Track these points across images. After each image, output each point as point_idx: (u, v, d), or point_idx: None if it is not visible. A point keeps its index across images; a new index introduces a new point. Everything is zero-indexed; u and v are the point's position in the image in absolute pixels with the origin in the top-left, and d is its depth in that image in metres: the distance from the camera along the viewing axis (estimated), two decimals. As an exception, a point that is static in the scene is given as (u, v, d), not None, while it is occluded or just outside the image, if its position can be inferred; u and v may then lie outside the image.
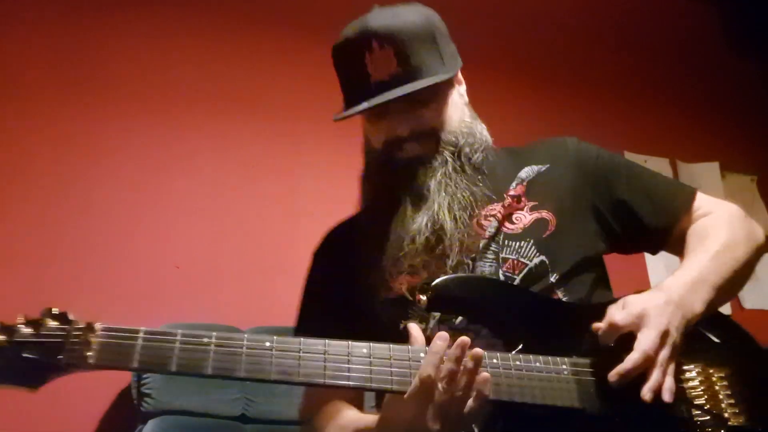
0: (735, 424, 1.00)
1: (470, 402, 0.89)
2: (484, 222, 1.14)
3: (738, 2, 3.65)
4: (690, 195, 1.22)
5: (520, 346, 0.99)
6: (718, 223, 1.17)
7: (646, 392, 0.93)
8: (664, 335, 0.96)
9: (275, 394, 1.93)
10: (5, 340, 0.80)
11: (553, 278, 1.10)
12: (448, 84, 1.19)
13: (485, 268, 1.11)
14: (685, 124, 3.38)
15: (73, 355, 0.82)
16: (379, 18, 1.15)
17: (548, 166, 1.21)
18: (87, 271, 2.16)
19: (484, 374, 0.89)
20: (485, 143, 1.21)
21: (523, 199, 1.17)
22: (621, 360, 0.95)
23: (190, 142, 2.44)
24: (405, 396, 0.89)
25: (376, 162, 1.20)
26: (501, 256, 1.11)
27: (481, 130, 1.23)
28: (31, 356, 0.80)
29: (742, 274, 1.14)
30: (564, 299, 1.10)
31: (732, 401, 1.02)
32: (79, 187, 2.25)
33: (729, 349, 1.08)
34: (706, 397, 1.02)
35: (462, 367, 0.88)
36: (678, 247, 1.19)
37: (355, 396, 1.13)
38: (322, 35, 2.78)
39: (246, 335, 0.90)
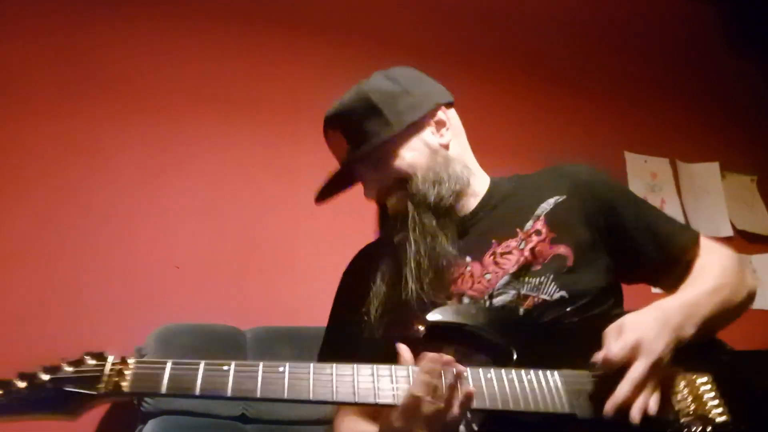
0: (719, 422, 1.04)
1: (451, 413, 0.97)
2: (501, 260, 1.20)
3: (738, 2, 3.64)
4: (694, 237, 1.29)
5: (513, 363, 1.06)
6: (716, 263, 1.25)
7: (634, 413, 0.99)
8: (657, 362, 1.02)
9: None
10: (50, 378, 0.91)
11: (568, 309, 1.16)
12: (404, 136, 1.27)
13: (505, 303, 1.17)
14: (685, 124, 3.38)
15: (109, 384, 0.93)
16: (331, 109, 1.31)
17: (565, 197, 1.26)
18: (87, 271, 2.16)
19: (469, 389, 0.98)
20: (459, 186, 1.27)
21: (543, 232, 1.21)
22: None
23: (190, 142, 2.44)
24: (397, 409, 0.98)
25: (378, 214, 1.36)
26: (522, 293, 1.17)
27: (453, 173, 1.28)
28: (73, 389, 0.92)
29: (732, 313, 1.21)
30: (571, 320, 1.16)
31: (715, 402, 1.07)
32: (78, 187, 2.25)
33: (706, 356, 1.14)
34: (690, 399, 1.06)
35: (446, 383, 0.97)
36: (676, 282, 1.25)
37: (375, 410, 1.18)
38: (322, 35, 2.80)
39: (262, 363, 0.99)
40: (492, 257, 1.20)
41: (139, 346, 1.97)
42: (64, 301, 2.10)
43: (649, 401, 1.00)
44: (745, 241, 3.26)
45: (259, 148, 2.53)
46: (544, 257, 1.19)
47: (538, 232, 1.21)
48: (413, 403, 0.96)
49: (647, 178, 3.20)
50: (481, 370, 1.01)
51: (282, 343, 2.08)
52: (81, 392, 0.91)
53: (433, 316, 1.11)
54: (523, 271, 1.18)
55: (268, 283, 2.36)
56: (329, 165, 1.31)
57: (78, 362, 0.96)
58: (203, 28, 2.61)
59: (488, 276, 1.19)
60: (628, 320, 1.05)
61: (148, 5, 2.55)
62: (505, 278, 1.18)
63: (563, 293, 1.15)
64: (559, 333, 1.14)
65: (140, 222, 2.28)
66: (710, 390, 1.08)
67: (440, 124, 1.32)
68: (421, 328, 1.09)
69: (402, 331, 1.14)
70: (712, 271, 1.22)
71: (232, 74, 2.59)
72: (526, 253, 1.19)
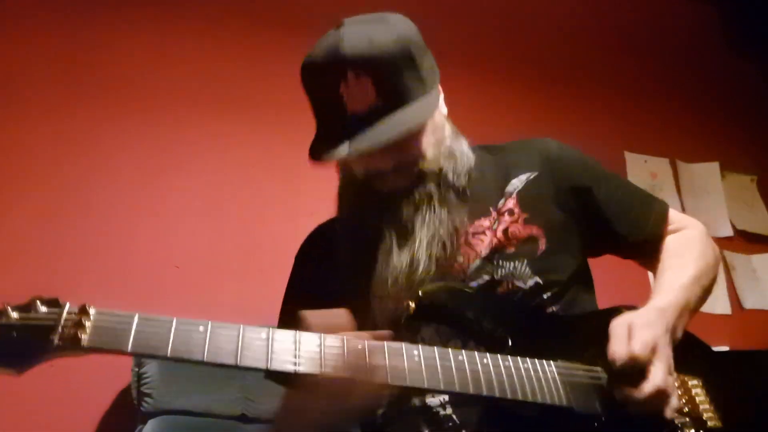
0: (712, 425, 1.04)
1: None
2: (473, 240, 1.12)
3: (738, 2, 3.65)
4: (664, 210, 1.25)
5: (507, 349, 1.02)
6: (691, 244, 1.22)
7: (669, 414, 0.96)
8: (671, 365, 0.99)
9: (275, 394, 1.93)
10: None
11: (545, 296, 1.11)
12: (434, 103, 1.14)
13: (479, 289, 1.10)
14: (685, 124, 3.38)
15: (65, 336, 0.80)
16: (353, 43, 1.05)
17: (537, 173, 1.18)
18: (87, 271, 2.16)
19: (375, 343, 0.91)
20: (468, 163, 1.17)
21: (516, 211, 1.14)
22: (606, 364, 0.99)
23: (190, 142, 2.44)
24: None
25: (355, 188, 1.16)
26: (496, 278, 1.10)
27: (463, 149, 1.18)
28: (20, 337, 0.78)
29: (707, 296, 1.19)
30: (554, 310, 1.12)
31: (707, 407, 1.06)
32: (79, 187, 2.25)
33: (693, 357, 1.13)
34: (684, 400, 1.05)
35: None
36: (648, 257, 1.23)
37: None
38: (321, 35, 2.79)
39: (241, 325, 0.89)
40: (464, 237, 1.11)
41: (139, 346, 1.97)
42: (64, 301, 2.10)
43: (668, 407, 0.98)
44: (745, 241, 3.27)
45: (259, 148, 2.53)
46: (518, 239, 1.12)
47: (510, 212, 1.14)
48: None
49: (647, 178, 3.20)
50: (477, 354, 0.96)
51: (282, 343, 2.08)
52: (30, 342, 0.78)
53: (426, 289, 1.04)
54: (496, 254, 1.10)
55: (268, 283, 2.35)
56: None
57: (26, 307, 0.82)
58: (203, 29, 2.61)
59: (460, 258, 1.11)
60: (637, 321, 1.01)
61: (148, 5, 2.55)
62: (478, 261, 1.10)
63: (537, 279, 1.10)
64: (553, 323, 1.10)
65: (140, 222, 2.28)
66: (701, 393, 1.08)
67: (439, 93, 1.19)
68: (411, 304, 1.02)
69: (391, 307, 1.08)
70: (691, 254, 1.19)
71: (232, 74, 2.59)
72: (499, 234, 1.12)
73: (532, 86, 3.11)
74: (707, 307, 2.89)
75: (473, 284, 1.09)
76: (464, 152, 1.17)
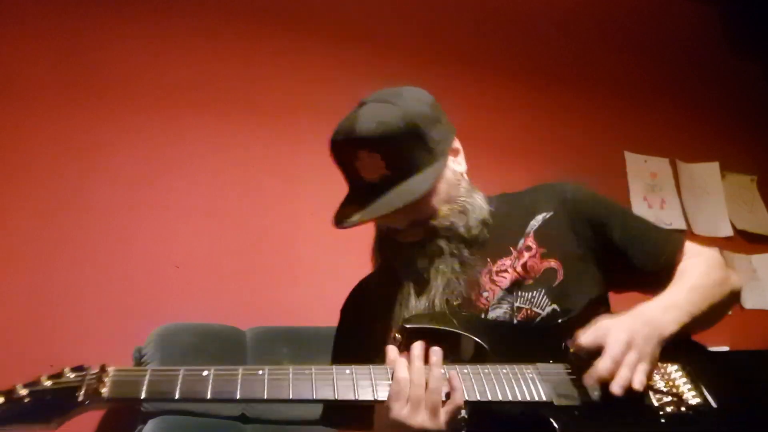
0: (693, 404, 1.07)
1: (441, 394, 1.00)
2: (496, 278, 1.23)
3: (738, 3, 3.65)
4: (679, 242, 1.32)
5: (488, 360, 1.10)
6: (697, 264, 1.28)
7: (615, 387, 1.01)
8: (628, 344, 1.05)
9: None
10: (29, 392, 0.93)
11: (561, 320, 1.19)
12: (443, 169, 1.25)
13: (500, 316, 1.20)
14: (685, 124, 3.38)
15: (89, 391, 0.93)
16: (364, 124, 1.19)
17: (552, 213, 1.28)
18: (87, 271, 2.16)
19: (452, 371, 1.03)
20: (481, 215, 1.27)
21: (533, 247, 1.24)
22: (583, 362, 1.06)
23: (190, 142, 2.44)
24: (387, 400, 1.00)
25: (382, 240, 1.31)
26: (515, 305, 1.20)
27: (476, 203, 1.28)
28: (53, 399, 0.93)
29: (715, 311, 1.22)
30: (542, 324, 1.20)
31: (689, 386, 1.11)
32: (78, 187, 2.25)
33: (678, 350, 1.16)
34: (664, 382, 1.11)
35: (429, 363, 1.02)
36: (663, 286, 1.28)
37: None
38: (321, 35, 2.79)
39: (242, 367, 1.01)
40: (488, 276, 1.23)
41: (139, 346, 1.97)
42: (65, 301, 2.10)
43: (634, 377, 1.03)
44: (745, 241, 3.27)
45: (259, 148, 2.53)
46: (536, 272, 1.22)
47: (528, 248, 1.25)
48: (400, 387, 0.99)
49: (647, 178, 3.21)
50: (456, 366, 1.05)
51: (281, 343, 2.08)
52: (60, 400, 0.92)
53: (409, 321, 1.15)
54: (516, 286, 1.21)
55: (268, 283, 2.36)
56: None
57: (58, 375, 0.98)
58: (203, 29, 2.61)
59: (486, 294, 1.22)
60: (599, 320, 1.10)
61: (148, 6, 2.55)
62: (500, 293, 1.21)
63: (554, 306, 1.19)
64: (531, 332, 1.18)
65: (140, 222, 2.28)
66: (682, 376, 1.12)
67: (456, 152, 1.33)
68: (398, 336, 1.12)
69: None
70: (694, 272, 1.26)
71: (232, 75, 2.59)
72: (519, 269, 1.23)
73: (532, 86, 3.11)
74: (707, 307, 2.90)
75: (493, 314, 1.20)
76: (477, 206, 1.28)
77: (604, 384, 1.02)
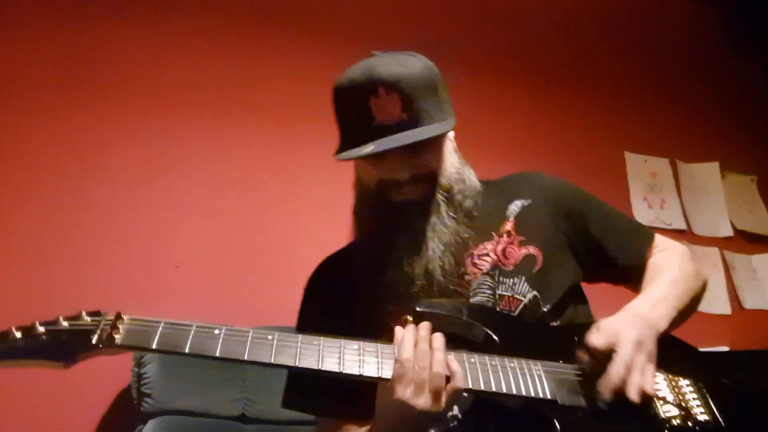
0: (701, 420, 1.07)
1: (443, 377, 1.00)
2: (478, 261, 1.22)
3: (738, 3, 3.65)
4: (650, 236, 1.35)
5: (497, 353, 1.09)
6: (672, 258, 1.31)
7: (633, 394, 1.01)
8: (639, 344, 1.06)
9: (275, 394, 1.93)
10: (46, 330, 0.99)
11: (545, 308, 1.20)
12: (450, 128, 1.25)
13: (483, 302, 1.19)
14: (685, 124, 3.38)
15: (102, 336, 0.98)
16: (387, 65, 1.18)
17: (531, 201, 1.29)
18: (87, 271, 2.16)
19: (451, 356, 1.02)
20: (474, 189, 1.27)
21: (513, 234, 1.25)
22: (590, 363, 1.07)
23: (190, 142, 2.45)
24: (390, 381, 1.00)
25: (371, 201, 1.24)
26: (497, 292, 1.20)
27: (470, 176, 1.29)
28: (68, 339, 0.98)
29: (693, 303, 1.26)
30: (554, 324, 1.20)
31: (698, 403, 1.10)
32: (78, 187, 2.25)
33: (685, 360, 1.18)
34: (674, 394, 1.10)
35: (431, 347, 1.02)
36: (636, 282, 1.31)
37: (363, 422, 1.16)
38: (321, 35, 2.79)
39: (252, 329, 1.01)
40: (470, 258, 1.22)
41: (139, 346, 1.97)
42: (64, 301, 2.09)
43: (645, 381, 1.02)
44: (745, 241, 3.27)
45: (259, 148, 2.53)
46: (516, 258, 1.23)
47: (508, 234, 1.25)
48: (403, 370, 0.99)
49: (647, 178, 3.21)
50: (465, 353, 1.05)
51: (282, 343, 2.08)
52: (75, 341, 0.97)
53: (421, 306, 1.12)
54: (496, 271, 1.21)
55: (268, 283, 2.36)
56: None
57: (75, 317, 1.03)
58: (203, 29, 2.61)
59: (467, 277, 1.21)
60: (603, 321, 1.10)
61: (148, 6, 2.55)
62: (481, 278, 1.21)
63: (535, 293, 1.20)
64: (544, 334, 1.18)
65: (140, 222, 2.28)
66: (693, 392, 1.12)
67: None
68: (409, 318, 1.10)
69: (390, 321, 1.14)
70: (671, 266, 1.28)
71: (232, 74, 2.59)
72: (499, 253, 1.23)
73: (532, 86, 3.11)
74: (707, 307, 2.91)
75: (476, 299, 1.19)
76: (472, 180, 1.29)
77: (618, 390, 1.02)
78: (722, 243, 3.19)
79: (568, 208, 1.30)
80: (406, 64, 1.19)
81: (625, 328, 1.07)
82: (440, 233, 1.19)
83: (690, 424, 1.06)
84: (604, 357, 1.04)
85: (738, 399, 1.13)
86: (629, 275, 1.33)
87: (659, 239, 1.36)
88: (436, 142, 1.22)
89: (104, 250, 2.21)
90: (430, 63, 1.25)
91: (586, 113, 3.16)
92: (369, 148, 1.13)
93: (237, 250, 2.37)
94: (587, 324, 1.13)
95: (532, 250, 1.24)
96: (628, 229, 1.36)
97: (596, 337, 1.07)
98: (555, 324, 1.20)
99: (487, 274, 1.21)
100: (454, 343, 1.08)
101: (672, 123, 3.36)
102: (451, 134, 1.31)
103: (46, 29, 2.38)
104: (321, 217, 2.40)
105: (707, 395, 1.11)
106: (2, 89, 2.25)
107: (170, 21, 2.57)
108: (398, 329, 1.07)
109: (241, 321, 2.13)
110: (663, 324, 1.13)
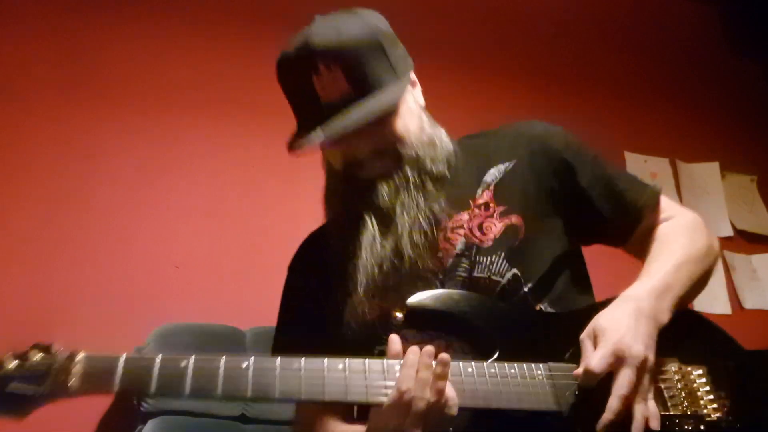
0: (713, 419, 1.01)
1: (446, 405, 0.92)
2: (451, 235, 1.11)
3: (738, 3, 3.64)
4: (655, 196, 1.21)
5: (496, 355, 1.01)
6: (681, 231, 1.18)
7: (636, 430, 0.94)
8: (642, 365, 0.96)
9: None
10: None
11: (526, 288, 1.10)
12: (405, 91, 1.14)
13: (456, 288, 1.09)
14: (685, 124, 3.38)
15: (55, 383, 0.87)
16: (321, 34, 1.09)
17: (515, 162, 1.16)
18: (87, 271, 2.16)
19: (452, 389, 0.93)
20: (446, 151, 1.17)
21: (491, 205, 1.13)
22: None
23: (190, 142, 2.44)
24: (384, 406, 0.92)
25: (338, 183, 1.17)
26: (473, 275, 1.09)
27: (441, 137, 1.18)
28: (15, 390, 0.85)
29: (700, 285, 1.15)
30: (542, 307, 1.10)
31: (711, 397, 1.03)
32: (78, 188, 2.25)
33: (703, 346, 1.09)
34: (684, 395, 1.02)
35: (435, 374, 0.91)
36: (638, 246, 1.19)
37: (346, 411, 1.11)
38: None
39: (224, 357, 0.91)
40: (443, 233, 1.11)
41: (139, 346, 1.97)
42: (64, 301, 2.10)
43: (650, 415, 0.95)
44: (745, 241, 3.26)
45: (259, 148, 2.53)
46: (495, 232, 1.10)
47: (486, 206, 1.13)
48: (402, 400, 0.90)
49: (647, 178, 3.19)
50: (461, 363, 0.96)
51: (282, 343, 2.08)
52: (25, 392, 0.86)
53: (413, 300, 1.04)
54: (473, 248, 1.09)
55: (268, 283, 2.34)
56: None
57: (23, 356, 0.91)
58: (203, 29, 2.61)
59: (440, 254, 1.10)
60: (601, 323, 1.00)
61: (148, 6, 2.55)
62: (455, 259, 1.10)
63: (515, 271, 1.09)
64: (545, 326, 1.09)
65: (140, 222, 2.28)
66: (705, 383, 1.04)
67: (414, 84, 1.22)
68: (399, 314, 1.04)
69: (378, 318, 1.07)
70: (679, 242, 1.15)
71: (232, 74, 2.59)
72: (475, 229, 1.11)
73: (531, 86, 3.11)
74: (707, 307, 2.91)
75: (450, 283, 1.09)
76: (443, 140, 1.18)
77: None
78: (722, 243, 3.18)
79: (558, 164, 1.17)
80: (342, 29, 1.09)
81: (628, 340, 0.96)
82: (408, 208, 1.08)
83: (702, 428, 1.00)
84: (601, 376, 0.96)
85: (753, 394, 1.06)
86: (626, 235, 1.19)
87: (667, 203, 1.23)
88: (395, 110, 1.11)
89: (104, 250, 2.21)
90: (371, 19, 1.14)
91: (586, 113, 3.15)
92: (317, 135, 1.06)
93: (237, 250, 2.37)
94: (589, 310, 1.05)
95: (514, 219, 1.11)
96: (628, 184, 1.21)
97: (594, 357, 0.96)
98: (556, 312, 1.10)
99: (461, 255, 1.09)
100: (448, 333, 1.04)
101: (672, 123, 3.36)
102: (418, 91, 1.20)
103: (46, 29, 2.38)
104: (321, 217, 2.39)
105: (720, 386, 1.03)
106: (2, 89, 2.25)
107: (170, 21, 2.57)
108: (393, 340, 0.97)
109: (241, 321, 2.14)
110: (666, 317, 1.04)
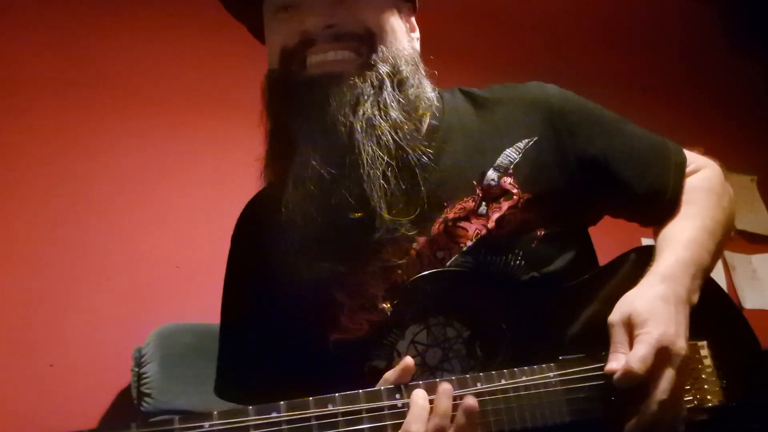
0: (716, 402, 0.94)
1: None
2: (454, 230, 0.91)
3: (738, 2, 3.64)
4: (682, 160, 1.07)
5: (502, 345, 0.88)
6: (708, 188, 1.04)
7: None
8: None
9: (275, 394, 1.93)
10: None
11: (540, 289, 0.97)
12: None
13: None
14: (684, 124, 3.38)
15: None
16: None
17: (536, 138, 0.97)
18: (86, 271, 2.15)
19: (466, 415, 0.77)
20: (430, 103, 0.93)
21: (515, 192, 0.93)
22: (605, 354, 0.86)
23: (190, 142, 2.44)
24: None
25: (280, 75, 0.89)
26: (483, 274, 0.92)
27: (425, 84, 0.95)
28: None
29: (720, 253, 1.02)
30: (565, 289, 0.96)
31: (713, 378, 0.95)
32: (78, 187, 2.25)
33: (714, 322, 0.98)
34: (689, 386, 0.94)
35: (453, 422, 0.77)
36: (669, 217, 1.02)
37: None
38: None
39: (253, 410, 0.74)
40: (443, 226, 0.90)
41: (139, 346, 1.97)
42: (64, 301, 2.10)
43: (678, 415, 0.85)
44: (745, 241, 3.26)
45: (259, 148, 2.52)
46: (513, 225, 0.91)
47: (507, 195, 0.91)
48: None
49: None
50: (468, 379, 0.82)
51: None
52: None
53: (409, 282, 0.86)
54: (483, 247, 0.90)
55: (268, 283, 2.35)
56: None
57: None
58: (203, 28, 2.61)
59: (440, 254, 0.90)
60: (638, 309, 0.85)
61: (148, 6, 2.55)
62: (457, 257, 0.90)
63: (534, 274, 0.92)
64: (552, 300, 0.94)
65: (140, 222, 2.28)
66: (709, 365, 0.95)
67: (413, 28, 1.05)
68: (386, 305, 0.87)
69: (361, 310, 0.89)
70: (707, 203, 1.01)
71: (233, 74, 2.58)
72: (491, 223, 0.90)
73: (532, 86, 3.10)
74: (707, 307, 2.90)
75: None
76: (427, 90, 0.94)
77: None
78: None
79: (583, 149, 0.99)
80: None
81: (671, 334, 0.83)
82: (379, 128, 0.80)
83: (705, 417, 0.92)
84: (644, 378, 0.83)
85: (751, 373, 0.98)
86: (663, 212, 1.02)
87: (691, 157, 1.09)
88: None
89: (104, 250, 2.20)
90: None
91: (586, 113, 3.15)
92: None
93: (237, 250, 2.37)
94: (597, 278, 0.93)
95: (536, 213, 0.93)
96: (656, 157, 1.06)
97: (637, 361, 0.81)
98: (566, 288, 0.95)
99: (467, 252, 0.90)
100: (448, 321, 0.89)
101: (671, 123, 3.35)
102: (416, 35, 1.00)
103: (46, 29, 2.38)
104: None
105: (722, 362, 0.95)
106: (2, 89, 2.25)
107: (170, 21, 2.57)
108: (399, 373, 0.79)
109: (241, 321, 2.13)
110: (697, 297, 0.91)
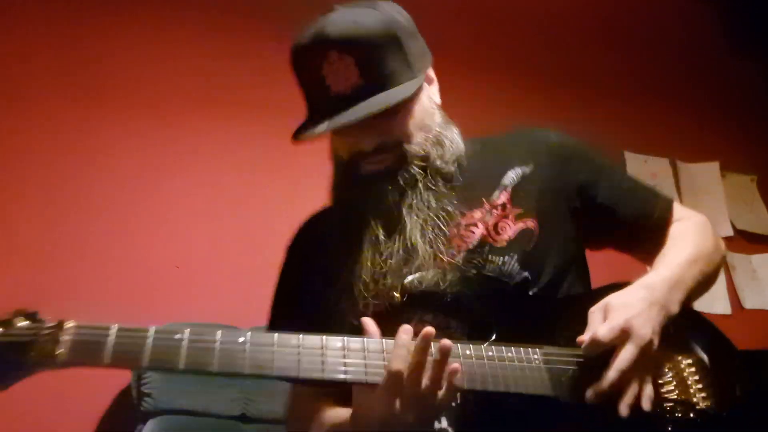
0: (703, 407, 1.02)
1: (441, 392, 0.89)
2: (464, 233, 1.10)
3: (738, 2, 3.64)
4: (669, 201, 1.24)
5: (493, 337, 0.99)
6: (693, 230, 1.20)
7: (623, 408, 0.94)
8: (647, 347, 0.97)
9: (275, 394, 1.93)
10: None
11: (531, 293, 1.09)
12: (417, 89, 1.12)
13: (463, 283, 1.07)
14: (685, 124, 3.38)
15: (42, 353, 0.81)
16: (337, 24, 1.06)
17: (533, 167, 1.16)
18: (86, 271, 2.16)
19: (455, 365, 0.89)
20: (457, 151, 1.15)
21: (508, 206, 1.13)
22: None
23: (190, 142, 2.45)
24: (377, 389, 0.88)
25: (343, 173, 1.15)
26: (483, 272, 1.07)
27: (452, 136, 1.17)
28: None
29: (708, 283, 1.17)
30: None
31: (700, 386, 1.03)
32: (78, 187, 2.25)
33: (692, 336, 1.10)
34: (675, 383, 1.03)
35: (430, 359, 0.88)
36: (652, 251, 1.18)
37: (340, 397, 1.08)
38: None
39: (220, 331, 0.88)
40: (457, 229, 1.09)
41: (139, 346, 1.97)
42: (64, 302, 2.08)
43: (642, 395, 0.96)
44: (745, 241, 3.27)
45: (259, 148, 2.53)
46: (509, 234, 1.10)
47: (503, 207, 1.12)
48: (395, 382, 0.87)
49: (647, 178, 3.17)
50: (459, 345, 0.94)
51: (282, 343, 2.08)
52: (9, 360, 0.80)
53: (410, 279, 1.03)
54: (486, 247, 1.08)
55: (268, 283, 2.35)
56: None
57: (6, 323, 0.86)
58: (204, 28, 2.61)
59: (452, 251, 1.08)
60: (614, 301, 1.00)
61: (148, 6, 2.55)
62: (465, 254, 1.08)
63: (526, 274, 1.08)
64: (541, 306, 1.08)
65: (140, 222, 2.28)
66: (695, 372, 1.05)
67: (431, 81, 1.20)
68: (396, 295, 1.02)
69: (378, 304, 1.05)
70: (689, 240, 1.17)
71: (233, 74, 2.59)
72: (489, 228, 1.10)
73: (531, 86, 3.11)
74: (707, 307, 2.91)
75: (459, 276, 1.07)
76: (454, 140, 1.16)
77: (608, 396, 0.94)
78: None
79: (576, 175, 1.17)
80: (360, 21, 1.06)
81: (639, 321, 0.97)
82: (418, 209, 1.07)
83: (692, 415, 1.00)
84: (606, 349, 0.97)
85: (740, 379, 1.07)
86: (645, 242, 1.20)
87: (677, 207, 1.24)
88: (404, 105, 1.08)
89: (104, 250, 2.21)
90: (392, 14, 1.12)
91: (585, 113, 3.15)
92: (323, 126, 1.05)
93: (237, 250, 2.37)
94: (591, 294, 1.06)
95: (529, 223, 1.11)
96: (645, 194, 1.23)
97: (602, 328, 0.96)
98: (555, 297, 1.11)
99: (474, 251, 1.08)
100: (445, 316, 1.02)
101: (672, 123, 3.36)
102: (435, 89, 1.19)
103: (46, 29, 2.38)
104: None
105: (709, 375, 1.04)
106: (2, 89, 2.25)
107: (170, 21, 2.57)
108: (368, 322, 0.95)
109: (241, 321, 2.14)
110: (676, 309, 1.04)
